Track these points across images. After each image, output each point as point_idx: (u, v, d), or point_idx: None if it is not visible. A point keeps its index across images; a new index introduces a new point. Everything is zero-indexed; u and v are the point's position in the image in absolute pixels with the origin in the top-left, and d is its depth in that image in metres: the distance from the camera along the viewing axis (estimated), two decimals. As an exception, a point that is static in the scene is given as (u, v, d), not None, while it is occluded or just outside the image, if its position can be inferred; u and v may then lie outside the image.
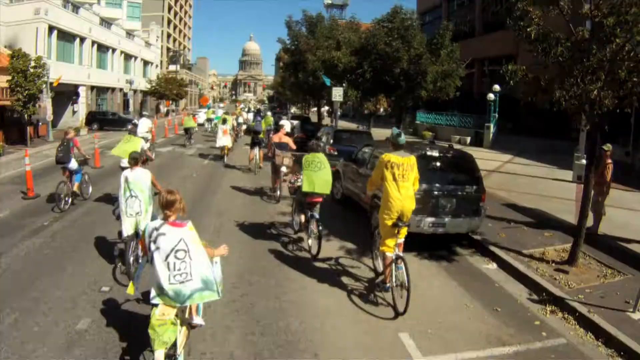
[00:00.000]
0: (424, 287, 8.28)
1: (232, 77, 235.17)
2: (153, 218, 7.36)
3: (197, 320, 5.35)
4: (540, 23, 8.34)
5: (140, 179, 7.82)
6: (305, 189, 9.43)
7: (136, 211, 7.71)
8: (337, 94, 29.28)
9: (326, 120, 43.29)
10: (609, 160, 11.03)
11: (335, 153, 16.55)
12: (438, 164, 10.15)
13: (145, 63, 67.09)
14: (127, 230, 7.74)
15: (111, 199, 12.69)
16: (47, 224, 11.06)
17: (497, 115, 31.07)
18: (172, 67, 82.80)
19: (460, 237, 10.72)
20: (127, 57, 58.18)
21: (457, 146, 30.22)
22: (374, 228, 9.02)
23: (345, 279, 8.49)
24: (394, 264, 7.21)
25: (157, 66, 73.77)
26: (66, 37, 40.95)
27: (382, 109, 65.38)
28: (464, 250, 10.47)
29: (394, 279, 7.20)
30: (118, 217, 8.27)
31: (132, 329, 6.18)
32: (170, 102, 66.01)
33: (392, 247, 7.29)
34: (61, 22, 38.74)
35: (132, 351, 5.74)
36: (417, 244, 9.67)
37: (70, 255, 9.07)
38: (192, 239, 4.80)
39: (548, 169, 21.12)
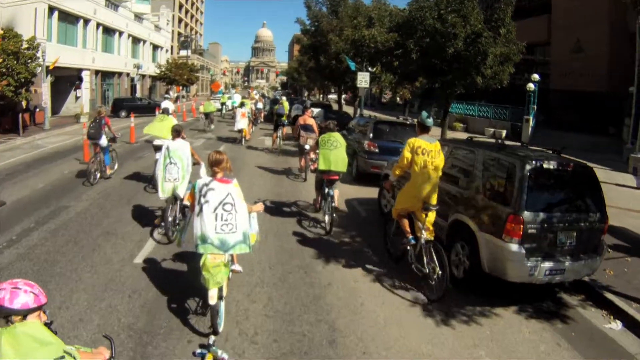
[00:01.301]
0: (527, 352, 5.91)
1: (245, 64, 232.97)
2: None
3: (237, 267, 6.50)
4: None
5: (180, 148, 8.65)
6: (321, 167, 9.73)
7: (174, 177, 8.52)
8: (363, 79, 26.34)
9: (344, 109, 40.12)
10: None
11: (377, 150, 13.66)
12: (556, 181, 7.06)
13: (155, 47, 64.14)
14: (163, 193, 8.59)
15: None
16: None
17: (536, 108, 27.76)
18: (183, 53, 79.61)
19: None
20: (136, 40, 55.20)
21: (489, 140, 27.35)
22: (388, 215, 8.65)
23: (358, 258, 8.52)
24: (423, 250, 7.02)
25: (167, 51, 70.76)
26: (68, 18, 37.96)
27: (398, 98, 62.31)
28: (572, 299, 7.46)
29: (426, 266, 6.93)
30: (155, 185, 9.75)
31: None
32: (181, 88, 63.04)
33: (405, 210, 7.36)
34: (63, 2, 35.67)
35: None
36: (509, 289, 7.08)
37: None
38: (237, 194, 5.44)
39: (603, 171, 17.74)
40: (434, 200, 7.11)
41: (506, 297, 7.10)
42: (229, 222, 5.30)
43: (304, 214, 11.17)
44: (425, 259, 6.94)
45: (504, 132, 28.75)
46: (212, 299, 5.33)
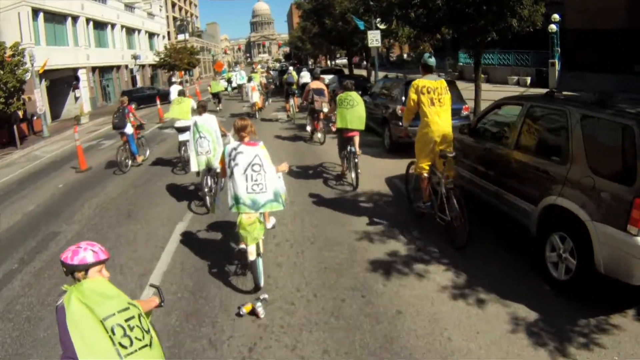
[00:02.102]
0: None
1: (245, 40, 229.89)
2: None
3: (270, 224, 6.99)
4: None
5: (207, 122, 9.03)
6: (339, 125, 9.96)
7: (206, 150, 8.94)
8: (374, 38, 24.24)
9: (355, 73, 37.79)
10: None
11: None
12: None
13: (151, 35, 61.99)
14: (196, 166, 9.11)
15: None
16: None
17: (559, 50, 25.19)
18: (180, 37, 77.30)
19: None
20: (130, 31, 53.08)
21: (516, 89, 25.24)
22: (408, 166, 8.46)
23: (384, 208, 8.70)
24: (444, 198, 6.78)
25: (164, 37, 68.50)
26: (55, 18, 36.02)
27: (405, 55, 59.64)
28: None
29: (448, 214, 6.74)
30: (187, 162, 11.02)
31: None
32: (183, 72, 61.02)
33: (427, 167, 7.12)
34: (46, 3, 33.68)
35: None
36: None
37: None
38: (264, 155, 5.70)
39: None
40: (450, 146, 6.98)
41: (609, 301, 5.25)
42: (258, 182, 5.57)
43: (329, 173, 11.50)
44: (447, 207, 6.77)
45: (528, 79, 26.57)
46: (252, 255, 5.63)
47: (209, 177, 9.20)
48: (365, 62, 37.55)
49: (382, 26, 24.04)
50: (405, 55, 59.15)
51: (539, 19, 13.75)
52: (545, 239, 5.68)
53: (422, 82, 6.96)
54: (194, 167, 9.18)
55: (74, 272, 2.98)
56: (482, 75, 29.30)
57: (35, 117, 26.87)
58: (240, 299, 5.78)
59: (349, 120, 9.81)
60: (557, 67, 24.69)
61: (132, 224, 9.07)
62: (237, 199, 5.57)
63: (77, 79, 37.83)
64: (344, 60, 63.81)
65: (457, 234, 6.72)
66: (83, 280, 2.94)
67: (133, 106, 15.66)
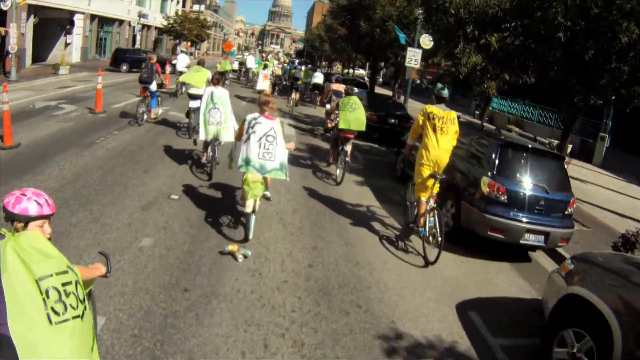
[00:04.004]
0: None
1: (260, 27, 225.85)
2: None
3: (268, 192, 8.04)
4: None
5: (222, 94, 9.40)
6: (341, 126, 10.82)
7: (217, 121, 9.30)
8: (414, 57, 20.82)
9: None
10: None
11: (504, 198, 7.75)
12: None
13: (165, -3, 58.00)
14: (205, 135, 9.40)
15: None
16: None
17: (611, 123, 21.46)
18: (196, 7, 73.27)
19: None
20: (142, -14, 49.02)
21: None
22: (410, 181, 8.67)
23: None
24: (427, 215, 7.44)
25: (178, 2, 64.45)
26: (61, -51, 32.00)
27: (424, 80, 55.91)
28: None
29: (427, 229, 7.39)
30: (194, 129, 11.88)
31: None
32: (189, 44, 57.11)
33: (427, 194, 7.54)
34: None
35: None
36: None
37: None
38: (279, 129, 6.60)
39: None
40: (441, 167, 7.46)
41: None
42: (269, 151, 6.46)
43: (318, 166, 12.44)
44: (428, 223, 7.40)
45: (569, 148, 22.31)
46: (249, 208, 6.57)
47: (213, 147, 9.59)
48: (394, 82, 33.73)
49: (427, 45, 20.68)
50: (440, 85, 55.66)
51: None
52: None
53: (432, 108, 7.50)
54: (202, 135, 9.43)
55: (13, 221, 2.80)
56: (516, 129, 25.91)
57: (11, 55, 22.97)
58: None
59: (351, 122, 10.75)
60: (607, 143, 21.34)
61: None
62: (247, 161, 6.45)
63: (72, 23, 33.91)
64: (361, 71, 60.53)
65: (428, 252, 7.37)
66: (22, 232, 2.78)
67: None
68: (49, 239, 2.86)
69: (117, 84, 23.39)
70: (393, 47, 23.19)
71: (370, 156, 14.53)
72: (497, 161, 8.02)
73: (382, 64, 32.49)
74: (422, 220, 7.52)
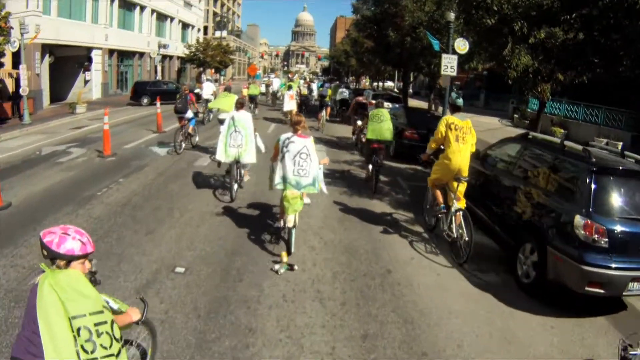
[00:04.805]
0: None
1: (284, 48, 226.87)
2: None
3: (307, 200, 7.66)
4: None
5: (244, 118, 9.67)
6: (369, 136, 11.34)
7: (238, 144, 9.51)
8: (450, 64, 18.77)
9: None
10: None
11: (604, 242, 5.70)
12: None
13: (185, 26, 57.11)
14: (223, 157, 9.55)
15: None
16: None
17: None
18: (218, 34, 72.66)
19: None
20: (161, 17, 48.18)
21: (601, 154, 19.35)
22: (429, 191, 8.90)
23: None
24: (453, 217, 7.65)
25: (199, 30, 63.71)
26: (74, -11, 31.29)
27: (454, 87, 53.52)
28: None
29: (454, 231, 7.59)
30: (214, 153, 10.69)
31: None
32: (214, 71, 56.16)
33: (440, 183, 8.09)
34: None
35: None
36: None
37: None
38: (312, 147, 6.87)
39: None
40: (465, 173, 7.69)
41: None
42: (303, 167, 6.78)
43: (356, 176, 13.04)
44: (454, 225, 7.59)
45: (619, 145, 19.94)
46: (290, 222, 6.88)
47: (235, 168, 9.83)
48: (429, 92, 31.63)
49: (462, 50, 18.71)
50: (454, 95, 53.57)
51: None
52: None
53: (451, 118, 7.86)
54: (219, 156, 9.59)
55: (55, 259, 2.83)
56: (561, 131, 23.59)
57: (25, 97, 21.85)
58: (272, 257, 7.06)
59: (379, 133, 11.14)
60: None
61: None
62: (284, 179, 6.83)
63: (90, 59, 33.12)
64: (389, 83, 58.65)
65: (460, 251, 7.48)
66: (63, 270, 2.81)
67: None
68: (92, 272, 3.08)
69: (135, 120, 22.11)
70: (425, 55, 21.26)
71: (415, 182, 12.45)
72: (592, 193, 6.01)
73: (414, 75, 30.48)
74: (440, 198, 8.10)
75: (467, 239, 7.24)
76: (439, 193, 8.08)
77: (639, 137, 19.81)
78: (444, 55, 18.88)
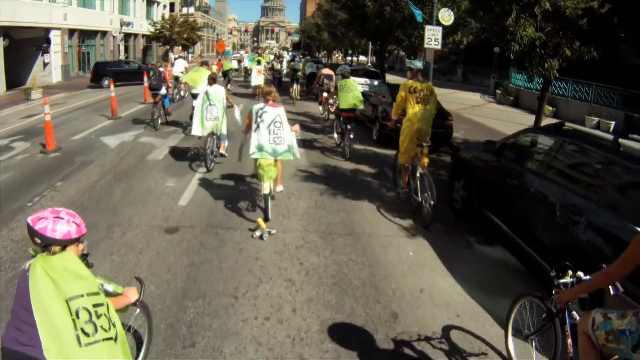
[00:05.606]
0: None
1: (254, 24, 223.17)
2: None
3: (280, 188, 8.22)
4: None
5: (217, 92, 10.06)
6: (342, 106, 11.83)
7: (214, 116, 9.96)
8: (434, 37, 17.80)
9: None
10: None
11: None
12: None
13: (150, 2, 54.85)
14: (200, 130, 9.96)
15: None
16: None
17: None
18: (185, 10, 70.14)
19: None
20: (124, -7, 45.93)
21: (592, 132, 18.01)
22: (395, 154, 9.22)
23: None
24: (418, 181, 7.91)
25: (164, 7, 61.27)
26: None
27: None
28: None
29: (419, 195, 7.81)
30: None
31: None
32: (181, 48, 54.13)
33: (409, 159, 8.21)
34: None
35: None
36: None
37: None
38: (284, 116, 7.19)
39: None
40: (427, 137, 8.06)
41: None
42: (278, 135, 7.04)
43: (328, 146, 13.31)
44: (419, 190, 7.84)
45: (612, 124, 19.10)
46: (266, 189, 7.13)
47: (212, 140, 10.18)
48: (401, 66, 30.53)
49: (447, 21, 17.73)
50: (410, 60, 52.55)
51: None
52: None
53: (410, 82, 8.08)
54: (196, 131, 10.01)
55: (49, 245, 2.67)
56: (549, 108, 22.43)
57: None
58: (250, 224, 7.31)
59: (348, 101, 11.65)
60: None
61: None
62: (260, 148, 7.00)
63: (48, 40, 31.16)
64: (362, 58, 57.25)
65: (425, 215, 7.71)
66: (58, 253, 2.68)
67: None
68: (84, 254, 2.86)
69: (91, 105, 20.44)
70: (406, 27, 20.08)
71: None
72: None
73: (392, 48, 29.23)
74: (405, 182, 8.41)
75: (431, 202, 7.49)
76: (406, 176, 8.34)
77: (632, 116, 18.92)
78: (427, 27, 17.88)
